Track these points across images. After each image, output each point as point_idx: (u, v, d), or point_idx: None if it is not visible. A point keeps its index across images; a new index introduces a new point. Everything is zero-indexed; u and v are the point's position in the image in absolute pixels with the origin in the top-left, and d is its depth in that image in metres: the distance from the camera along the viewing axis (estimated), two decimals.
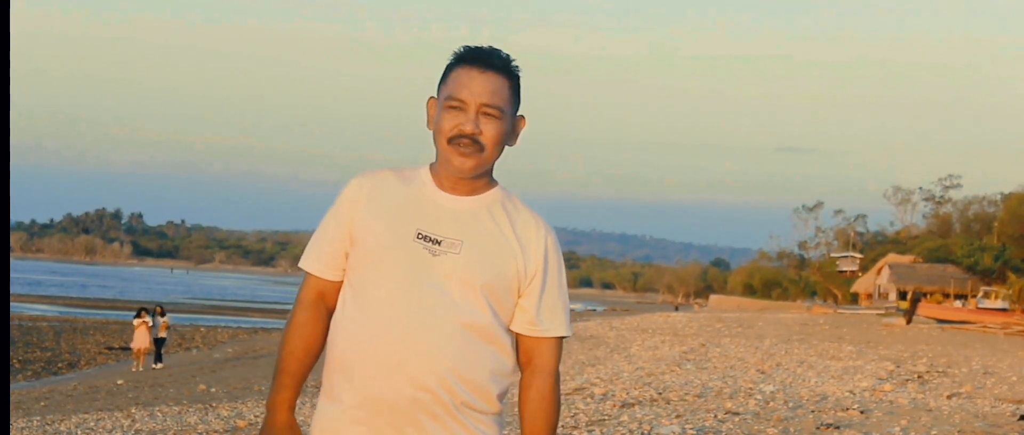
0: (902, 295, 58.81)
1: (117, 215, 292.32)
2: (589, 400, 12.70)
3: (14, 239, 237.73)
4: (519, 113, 2.59)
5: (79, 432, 11.76)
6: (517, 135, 2.60)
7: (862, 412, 10.81)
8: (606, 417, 10.78)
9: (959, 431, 9.53)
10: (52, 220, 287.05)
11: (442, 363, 2.43)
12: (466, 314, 2.46)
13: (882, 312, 51.64)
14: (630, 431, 9.54)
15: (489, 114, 2.49)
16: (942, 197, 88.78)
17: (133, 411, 14.21)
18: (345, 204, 2.57)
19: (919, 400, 12.54)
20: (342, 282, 2.57)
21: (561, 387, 2.64)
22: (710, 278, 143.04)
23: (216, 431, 11.06)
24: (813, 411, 10.94)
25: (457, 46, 2.57)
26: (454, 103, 2.49)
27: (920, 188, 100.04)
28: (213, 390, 18.82)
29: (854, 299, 77.02)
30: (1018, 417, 10.62)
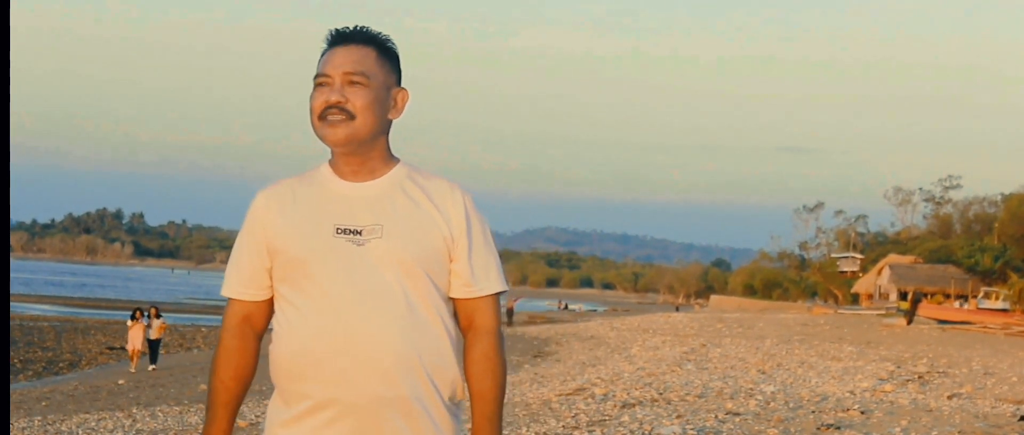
0: (903, 296, 58.74)
1: (118, 215, 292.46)
2: (590, 400, 12.71)
3: (15, 239, 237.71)
4: (400, 86, 2.55)
5: (80, 432, 11.77)
6: (399, 108, 2.54)
7: (863, 412, 10.81)
8: (607, 417, 10.80)
9: (960, 431, 9.53)
10: (53, 220, 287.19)
11: (400, 353, 2.39)
12: (408, 296, 2.42)
13: (883, 312, 51.61)
14: (631, 431, 9.55)
15: (355, 82, 2.45)
16: (942, 198, 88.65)
17: (134, 411, 14.23)
18: (255, 222, 2.53)
19: (920, 400, 12.55)
20: (268, 301, 2.54)
21: (504, 347, 2.54)
22: (711, 278, 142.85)
23: None
24: (814, 411, 10.95)
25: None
26: (320, 80, 2.48)
27: (920, 189, 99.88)
28: None
29: (855, 300, 76.94)
30: (1018, 417, 10.63)
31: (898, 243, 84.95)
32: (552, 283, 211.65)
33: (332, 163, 2.54)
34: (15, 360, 25.56)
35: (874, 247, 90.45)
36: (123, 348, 27.55)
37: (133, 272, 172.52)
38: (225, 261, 2.58)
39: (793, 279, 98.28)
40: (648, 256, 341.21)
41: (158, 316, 23.99)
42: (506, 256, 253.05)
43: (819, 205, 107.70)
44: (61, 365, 25.93)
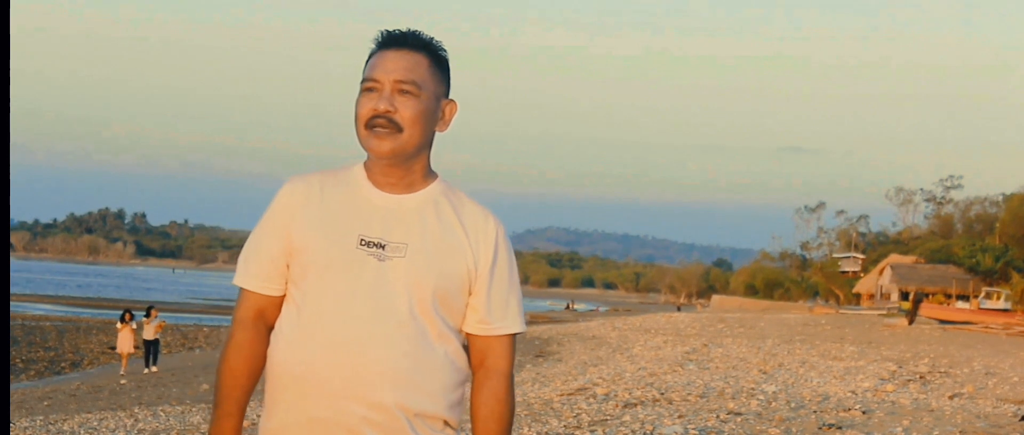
0: (904, 296, 58.76)
1: (120, 215, 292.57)
2: (591, 400, 12.71)
3: (17, 239, 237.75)
4: (449, 97, 2.44)
5: (82, 432, 11.78)
6: (447, 120, 2.43)
7: (864, 412, 10.81)
8: (608, 417, 10.80)
9: (961, 431, 9.53)
10: (55, 220, 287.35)
11: (395, 379, 2.29)
12: (417, 322, 2.32)
13: (884, 312, 51.61)
14: (632, 431, 9.55)
15: (405, 91, 2.33)
16: (943, 198, 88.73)
17: (136, 411, 14.23)
18: (279, 212, 2.40)
19: (921, 400, 12.54)
20: (283, 297, 2.40)
21: (514, 389, 2.44)
22: (712, 278, 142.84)
23: None
24: (815, 411, 10.95)
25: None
26: (369, 84, 2.36)
27: (921, 189, 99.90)
28: None
29: (856, 299, 76.97)
30: (1020, 417, 10.63)
31: (899, 243, 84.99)
32: (554, 283, 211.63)
33: (368, 168, 2.42)
34: (17, 360, 25.57)
35: (875, 247, 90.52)
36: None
37: (135, 272, 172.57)
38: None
39: (794, 279, 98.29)
40: (649, 256, 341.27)
41: (156, 315, 23.50)
42: None
43: (820, 205, 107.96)
44: (63, 365, 25.94)
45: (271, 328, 2.42)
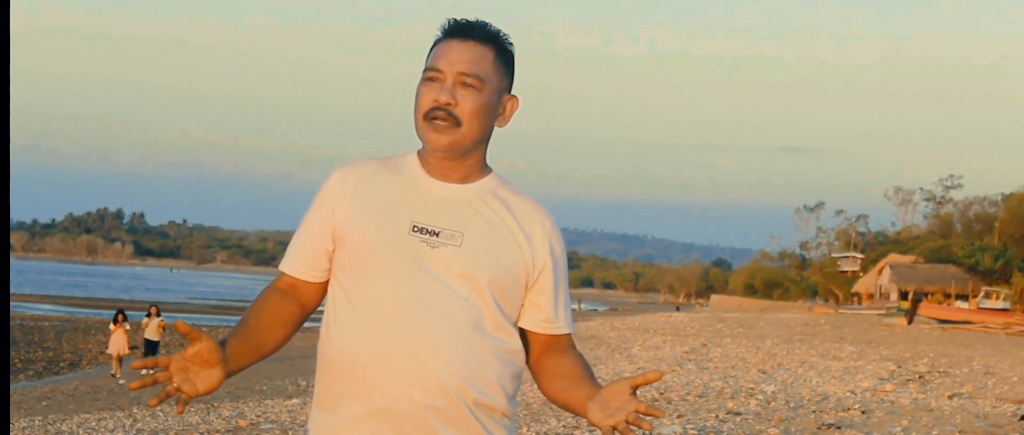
0: (903, 295, 58.73)
1: (119, 215, 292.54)
2: None
3: (16, 239, 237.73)
4: (511, 93, 2.40)
5: (81, 432, 11.77)
6: (507, 117, 2.39)
7: (863, 412, 10.82)
8: None
9: (960, 431, 9.54)
10: (54, 220, 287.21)
11: (454, 365, 2.25)
12: (473, 310, 2.28)
13: (883, 312, 51.62)
14: (631, 431, 9.55)
15: (468, 84, 2.29)
16: (943, 197, 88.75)
17: (135, 411, 14.22)
18: (327, 199, 2.37)
19: (920, 400, 12.55)
20: (321, 284, 2.39)
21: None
22: (711, 278, 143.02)
23: (218, 431, 11.08)
24: (814, 411, 10.95)
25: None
26: (431, 74, 2.31)
27: (921, 188, 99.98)
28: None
29: (855, 299, 77.01)
30: (1019, 417, 10.63)
31: (899, 243, 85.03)
32: None
33: (422, 157, 2.38)
34: (16, 360, 25.57)
35: (875, 247, 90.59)
36: (131, 347, 27.31)
37: (133, 272, 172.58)
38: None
39: (794, 279, 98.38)
40: (649, 256, 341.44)
41: (158, 314, 23.41)
42: None
43: (820, 205, 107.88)
44: (62, 365, 25.95)
45: (303, 305, 2.41)
